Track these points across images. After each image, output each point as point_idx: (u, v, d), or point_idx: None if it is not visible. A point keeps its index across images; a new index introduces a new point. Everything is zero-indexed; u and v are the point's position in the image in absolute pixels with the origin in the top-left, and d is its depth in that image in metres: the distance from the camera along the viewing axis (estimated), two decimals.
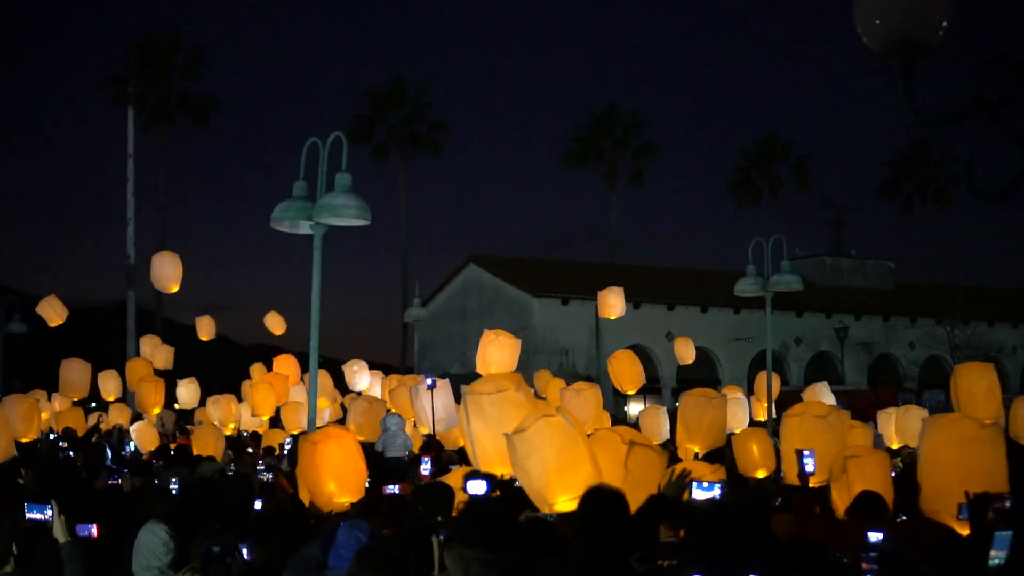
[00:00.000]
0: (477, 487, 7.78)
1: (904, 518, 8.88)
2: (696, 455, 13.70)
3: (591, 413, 16.21)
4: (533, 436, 7.31)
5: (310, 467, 9.29)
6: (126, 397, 28.17)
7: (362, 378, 26.12)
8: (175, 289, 23.34)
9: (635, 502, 7.17)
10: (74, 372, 23.33)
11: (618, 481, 7.25)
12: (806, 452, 9.35)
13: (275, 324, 26.63)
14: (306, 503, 9.63)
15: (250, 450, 19.24)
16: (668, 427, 18.34)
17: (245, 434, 22.50)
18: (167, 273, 23.08)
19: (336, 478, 9.26)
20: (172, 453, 16.86)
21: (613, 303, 24.42)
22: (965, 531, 7.12)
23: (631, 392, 20.88)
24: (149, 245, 50.93)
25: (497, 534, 5.89)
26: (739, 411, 21.47)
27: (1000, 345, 50.54)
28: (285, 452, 15.45)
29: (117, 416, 23.86)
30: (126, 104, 47.77)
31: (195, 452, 16.68)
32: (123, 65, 49.64)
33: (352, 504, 8.96)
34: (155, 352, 27.10)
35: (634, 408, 43.09)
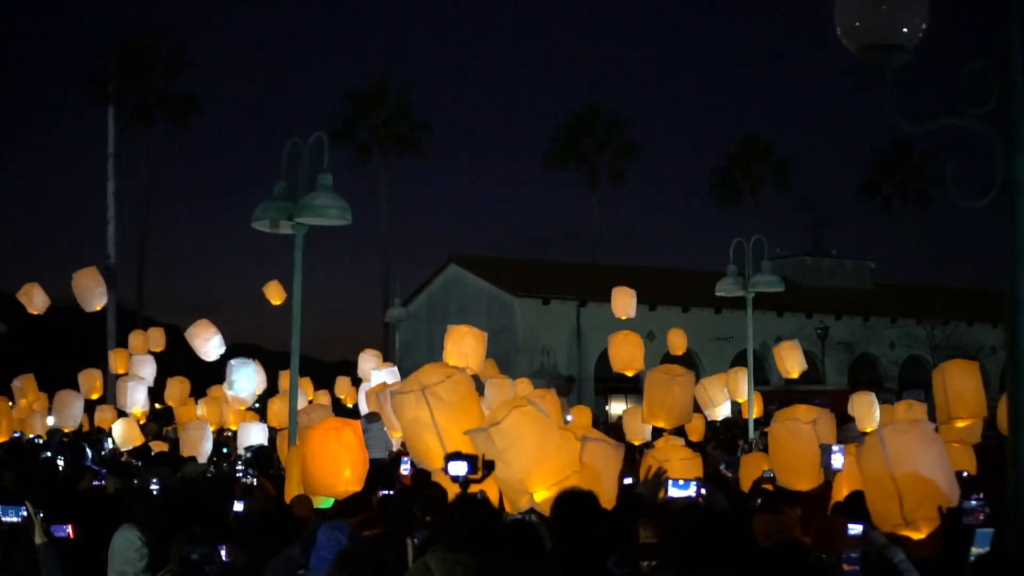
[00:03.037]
0: (458, 468, 7.75)
1: None
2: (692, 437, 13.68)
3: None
4: (511, 427, 7.30)
5: (325, 454, 9.32)
6: (106, 396, 27.99)
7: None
8: (100, 307, 23.00)
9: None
10: (67, 402, 22.87)
11: (574, 477, 7.28)
12: (834, 447, 9.31)
13: (274, 294, 26.41)
14: (297, 494, 9.63)
15: (226, 450, 19.16)
16: (650, 428, 18.39)
17: (229, 434, 22.40)
18: (89, 289, 22.67)
19: (352, 465, 9.39)
20: (153, 453, 16.76)
21: (624, 303, 24.02)
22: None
23: (631, 374, 20.67)
24: (130, 245, 50.85)
25: (480, 536, 5.88)
26: (720, 402, 21.60)
27: (980, 345, 50.69)
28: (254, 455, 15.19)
29: (103, 416, 23.66)
30: (106, 103, 47.58)
31: (184, 453, 16.62)
32: (103, 64, 49.47)
33: (341, 505, 8.94)
34: (144, 342, 26.86)
35: (616, 408, 43.12)
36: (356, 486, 9.39)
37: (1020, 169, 5.88)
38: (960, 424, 12.55)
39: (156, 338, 27.46)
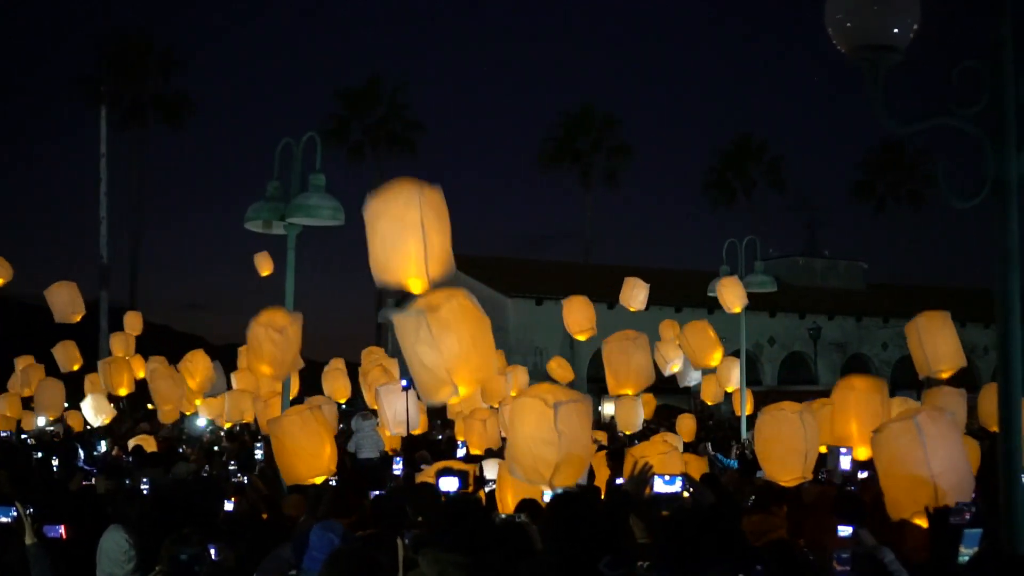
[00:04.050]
0: (449, 483, 7.76)
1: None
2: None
3: None
4: (448, 316, 7.23)
5: (308, 434, 9.45)
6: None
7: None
8: (78, 318, 22.84)
9: (574, 459, 7.18)
10: (49, 392, 22.69)
11: (552, 444, 7.23)
12: (843, 449, 9.24)
13: (264, 265, 26.43)
14: (290, 495, 9.68)
15: (217, 448, 19.17)
16: (642, 418, 18.49)
17: (222, 433, 22.42)
18: (65, 303, 22.48)
19: (331, 443, 9.59)
20: (145, 453, 16.75)
21: (631, 295, 23.73)
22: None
23: (582, 339, 20.33)
24: (123, 245, 50.80)
25: (471, 536, 5.88)
26: (674, 358, 21.57)
27: (972, 345, 50.76)
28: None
29: (93, 387, 23.49)
30: (99, 104, 47.50)
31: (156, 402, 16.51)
32: (96, 64, 49.37)
33: (328, 506, 8.94)
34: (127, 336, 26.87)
35: (608, 408, 43.11)
36: (334, 465, 9.63)
37: (1011, 169, 5.89)
38: (944, 375, 12.47)
39: (134, 323, 27.51)
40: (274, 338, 10.68)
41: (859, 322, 54.93)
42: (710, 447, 16.53)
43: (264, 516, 9.28)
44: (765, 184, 61.84)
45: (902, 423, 7.61)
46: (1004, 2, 5.91)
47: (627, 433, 17.56)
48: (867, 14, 5.60)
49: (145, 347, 26.84)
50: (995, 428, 16.22)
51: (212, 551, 6.55)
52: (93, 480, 12.07)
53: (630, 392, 14.50)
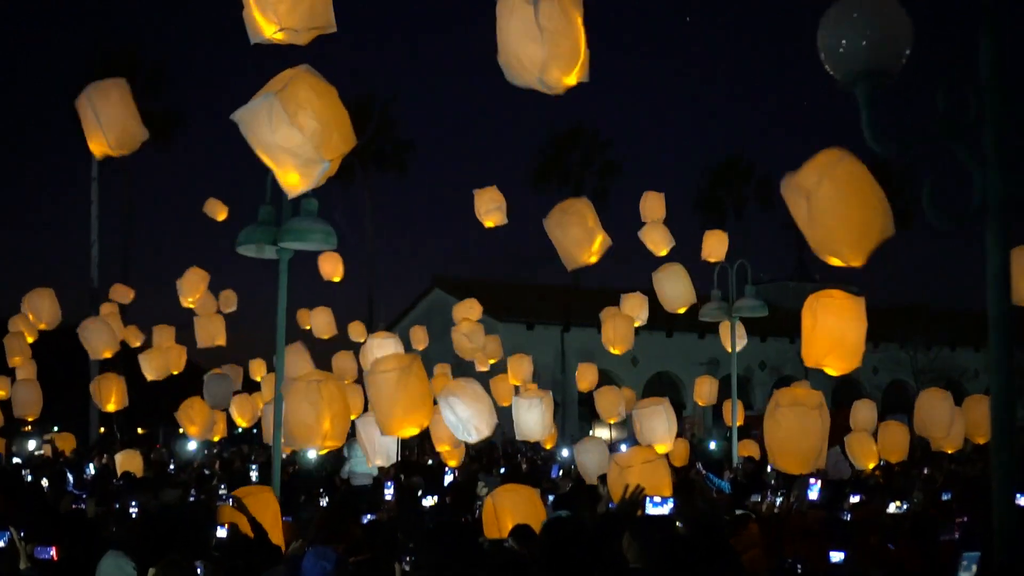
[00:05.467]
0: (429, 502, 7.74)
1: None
2: None
3: None
4: (297, 91, 7.24)
5: (308, 403, 9.55)
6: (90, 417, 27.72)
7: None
8: (45, 326, 22.64)
9: (563, 53, 7.43)
10: (24, 392, 22.34)
11: (536, 40, 7.23)
12: (812, 480, 9.28)
13: (218, 211, 26.06)
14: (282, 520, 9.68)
15: (207, 471, 19.10)
16: (623, 406, 18.63)
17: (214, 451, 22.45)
18: (43, 309, 22.22)
19: (332, 418, 9.62)
20: (135, 477, 16.71)
21: (649, 208, 23.33)
22: None
23: (490, 224, 19.79)
24: (113, 266, 50.70)
25: (459, 555, 5.88)
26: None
27: (963, 369, 50.88)
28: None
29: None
30: None
31: None
32: (85, 82, 49.23)
33: (317, 530, 8.92)
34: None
35: (600, 431, 43.11)
36: (334, 441, 9.69)
37: (1000, 191, 5.89)
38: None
39: (123, 293, 27.58)
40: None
41: None
42: (700, 467, 16.55)
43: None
44: (755, 204, 61.99)
45: (836, 157, 7.13)
46: (991, 25, 5.94)
47: (611, 422, 17.53)
48: (861, 40, 5.62)
49: (135, 367, 26.81)
50: (979, 440, 16.38)
51: (199, 570, 6.52)
52: (83, 504, 12.05)
53: (591, 261, 13.18)
